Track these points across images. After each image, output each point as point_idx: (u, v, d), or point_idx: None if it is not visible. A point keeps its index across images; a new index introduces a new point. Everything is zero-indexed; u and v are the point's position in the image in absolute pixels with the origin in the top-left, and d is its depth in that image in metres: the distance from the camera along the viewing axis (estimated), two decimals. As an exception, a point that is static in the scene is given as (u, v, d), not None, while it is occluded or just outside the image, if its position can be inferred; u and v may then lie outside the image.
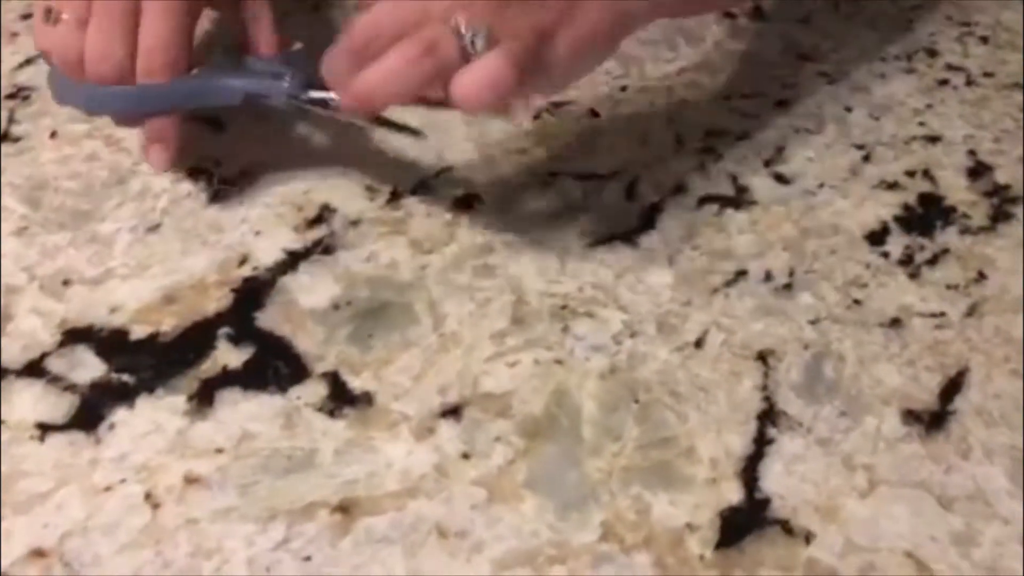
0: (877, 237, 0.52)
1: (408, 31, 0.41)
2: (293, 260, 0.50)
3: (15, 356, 0.46)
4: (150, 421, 0.44)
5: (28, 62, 0.59)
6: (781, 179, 0.55)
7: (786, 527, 0.41)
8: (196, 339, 0.46)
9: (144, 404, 0.44)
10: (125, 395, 0.44)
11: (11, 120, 0.56)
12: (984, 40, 0.63)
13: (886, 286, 0.50)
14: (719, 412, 0.45)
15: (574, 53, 0.43)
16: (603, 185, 0.54)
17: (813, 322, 0.48)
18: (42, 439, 0.43)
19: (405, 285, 0.49)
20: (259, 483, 0.42)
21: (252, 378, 0.45)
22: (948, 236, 0.52)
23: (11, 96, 0.57)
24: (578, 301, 0.49)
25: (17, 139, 0.55)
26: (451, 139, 0.56)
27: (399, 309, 0.48)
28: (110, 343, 0.46)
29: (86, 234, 0.51)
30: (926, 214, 0.53)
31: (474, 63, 0.41)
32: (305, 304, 0.48)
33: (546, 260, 0.50)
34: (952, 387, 0.46)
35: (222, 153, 0.54)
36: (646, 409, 0.45)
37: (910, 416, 0.45)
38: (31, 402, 0.44)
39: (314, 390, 0.45)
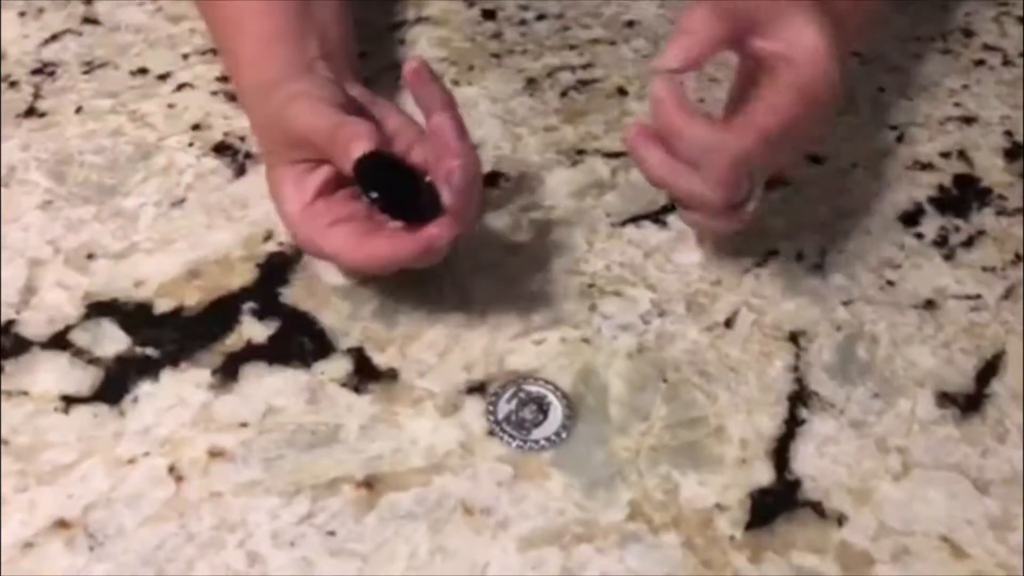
0: (911, 218, 0.51)
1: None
2: (318, 236, 0.49)
3: (40, 329, 0.45)
4: (174, 395, 0.43)
5: (54, 38, 0.59)
6: (814, 159, 0.54)
7: (818, 509, 0.40)
8: (220, 314, 0.46)
9: (168, 378, 0.44)
10: (149, 368, 0.44)
11: (37, 95, 0.56)
12: (1021, 20, 0.62)
13: (920, 267, 0.49)
14: (749, 392, 0.44)
15: None
16: (631, 163, 0.53)
17: (846, 303, 0.47)
18: (66, 411, 0.43)
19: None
20: (284, 457, 0.41)
21: (277, 353, 0.45)
22: (984, 218, 0.51)
23: (37, 72, 0.57)
24: (605, 280, 0.48)
25: (43, 114, 0.55)
26: (478, 116, 0.55)
27: (424, 286, 0.47)
28: (134, 317, 0.46)
29: (111, 208, 0.50)
30: (962, 195, 0.52)
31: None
32: (329, 280, 0.48)
33: (573, 238, 0.50)
34: (988, 370, 0.45)
35: (248, 129, 0.54)
36: (675, 389, 0.44)
37: (945, 399, 0.44)
38: (56, 374, 0.44)
39: (339, 365, 0.44)
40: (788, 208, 0.51)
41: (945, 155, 0.54)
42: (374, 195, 0.42)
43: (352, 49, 0.53)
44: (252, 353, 0.45)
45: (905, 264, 0.49)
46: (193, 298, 0.47)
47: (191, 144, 0.53)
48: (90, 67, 0.58)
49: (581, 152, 0.54)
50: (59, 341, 0.45)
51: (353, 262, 0.44)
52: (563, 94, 0.56)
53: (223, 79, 0.57)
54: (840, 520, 0.40)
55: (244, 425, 0.42)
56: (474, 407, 0.43)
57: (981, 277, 0.48)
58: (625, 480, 0.41)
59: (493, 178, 0.52)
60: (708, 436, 0.42)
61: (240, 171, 0.52)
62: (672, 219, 0.51)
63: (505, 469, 0.41)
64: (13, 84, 0.57)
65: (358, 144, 0.42)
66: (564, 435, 0.42)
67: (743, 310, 0.47)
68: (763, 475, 0.41)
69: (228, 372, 0.44)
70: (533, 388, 0.44)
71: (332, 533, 0.39)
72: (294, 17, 0.49)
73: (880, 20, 0.50)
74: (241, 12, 0.50)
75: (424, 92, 0.43)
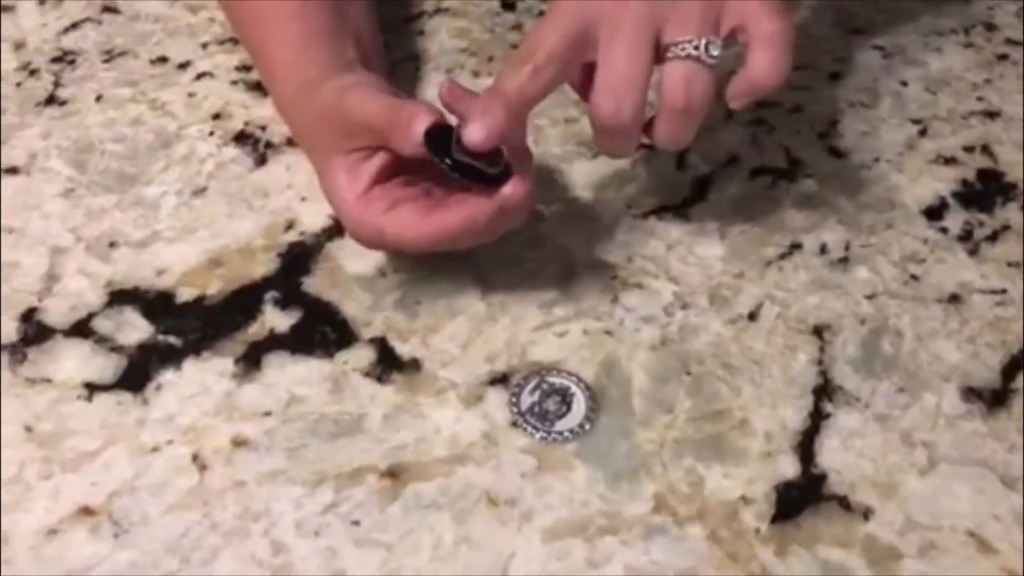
0: (935, 212, 0.51)
1: (642, 83, 0.41)
2: (339, 226, 0.49)
3: (63, 316, 0.45)
4: (197, 383, 0.43)
5: (74, 26, 0.59)
6: (835, 152, 0.53)
7: (844, 503, 0.40)
8: (243, 303, 0.46)
9: (191, 366, 0.44)
10: (172, 357, 0.44)
11: (57, 84, 0.56)
12: (1045, 15, 0.61)
13: (944, 262, 0.49)
14: (774, 386, 0.44)
15: None
16: (653, 155, 0.53)
17: (870, 297, 0.47)
18: (89, 398, 0.43)
19: (452, 253, 0.48)
20: (307, 447, 0.41)
21: (299, 342, 0.45)
22: (1008, 212, 0.51)
23: (57, 60, 0.57)
24: (628, 272, 0.48)
25: (63, 102, 0.55)
26: (498, 108, 0.55)
27: (446, 277, 0.47)
28: (157, 305, 0.46)
29: (132, 197, 0.50)
30: (985, 190, 0.52)
31: (756, 45, 0.41)
32: (351, 270, 0.47)
33: (595, 230, 0.49)
34: (1014, 365, 0.44)
35: (268, 118, 0.54)
36: (698, 381, 0.44)
37: (971, 393, 0.43)
38: (78, 361, 0.44)
39: (362, 355, 0.44)
40: (811, 202, 0.51)
41: (968, 149, 0.54)
42: (449, 162, 0.41)
43: (382, 52, 0.53)
44: (275, 342, 0.45)
45: (929, 258, 0.49)
46: (215, 287, 0.47)
47: (211, 133, 0.53)
48: (110, 56, 0.57)
49: (602, 144, 0.53)
50: (82, 329, 0.45)
51: (420, 238, 0.42)
52: (584, 86, 0.56)
53: (243, 68, 0.56)
54: (866, 514, 0.40)
55: (267, 414, 0.42)
56: (497, 398, 0.43)
57: (1006, 272, 0.48)
58: (649, 472, 0.41)
59: (514, 169, 0.52)
60: (732, 429, 0.42)
61: (261, 160, 0.52)
62: (694, 211, 0.50)
63: (529, 460, 0.41)
64: (33, 72, 0.56)
65: (420, 120, 0.41)
66: (587, 427, 0.42)
67: (767, 303, 0.47)
68: (788, 468, 0.41)
69: (251, 361, 0.44)
70: (556, 380, 0.44)
71: (356, 523, 0.39)
72: (330, 20, 0.49)
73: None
74: (274, 16, 0.50)
75: (460, 105, 0.43)
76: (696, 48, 0.41)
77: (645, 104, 0.42)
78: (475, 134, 0.41)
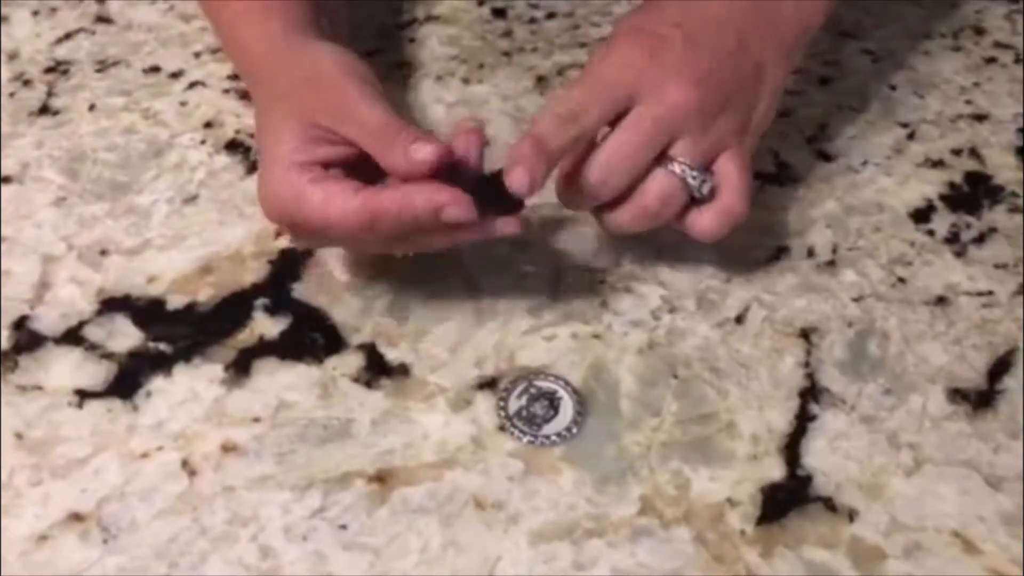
0: (922, 215, 0.51)
1: (635, 172, 0.43)
2: (329, 233, 0.49)
3: (54, 324, 0.46)
4: (187, 389, 0.43)
5: (67, 37, 0.60)
6: (824, 156, 0.54)
7: (829, 504, 0.40)
8: (233, 309, 0.46)
9: (181, 373, 0.44)
10: (162, 364, 0.44)
11: (50, 93, 0.56)
12: (1033, 18, 0.62)
13: (932, 264, 0.49)
14: (760, 388, 0.44)
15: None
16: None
17: (857, 299, 0.47)
18: (80, 405, 0.43)
19: (442, 259, 0.48)
20: (296, 452, 0.41)
21: (289, 348, 0.45)
22: (996, 215, 0.51)
23: (50, 70, 0.58)
24: (616, 276, 0.48)
25: (56, 112, 0.55)
26: (489, 114, 0.55)
27: (435, 282, 0.48)
28: (147, 312, 0.46)
29: (124, 205, 0.51)
30: (973, 192, 0.52)
31: (713, 206, 0.44)
32: (341, 276, 0.48)
33: (584, 235, 0.50)
34: (1000, 366, 0.45)
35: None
36: (685, 384, 0.44)
37: (957, 395, 0.44)
38: (69, 369, 0.44)
39: (350, 361, 0.44)
40: (798, 205, 0.51)
41: (956, 152, 0.54)
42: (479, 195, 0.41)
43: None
44: (264, 348, 0.45)
45: (916, 261, 0.49)
46: (206, 294, 0.47)
47: (203, 141, 0.54)
48: (103, 65, 0.58)
49: (591, 149, 0.54)
50: (73, 336, 0.45)
51: (344, 215, 0.41)
52: (573, 92, 0.56)
53: (235, 77, 0.57)
54: (851, 515, 0.40)
55: (257, 420, 0.42)
56: (485, 402, 0.43)
57: (993, 274, 0.48)
58: (636, 475, 0.41)
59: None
60: (719, 432, 0.42)
61: (251, 168, 0.52)
62: (683, 216, 0.51)
63: (516, 464, 0.41)
64: (27, 82, 0.57)
65: (420, 147, 0.41)
66: (575, 430, 0.42)
67: (754, 306, 0.47)
68: (774, 470, 0.41)
69: (240, 367, 0.44)
70: (544, 383, 0.44)
71: (344, 527, 0.39)
72: None
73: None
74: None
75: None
76: (693, 179, 0.43)
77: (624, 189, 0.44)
78: (521, 181, 0.41)
